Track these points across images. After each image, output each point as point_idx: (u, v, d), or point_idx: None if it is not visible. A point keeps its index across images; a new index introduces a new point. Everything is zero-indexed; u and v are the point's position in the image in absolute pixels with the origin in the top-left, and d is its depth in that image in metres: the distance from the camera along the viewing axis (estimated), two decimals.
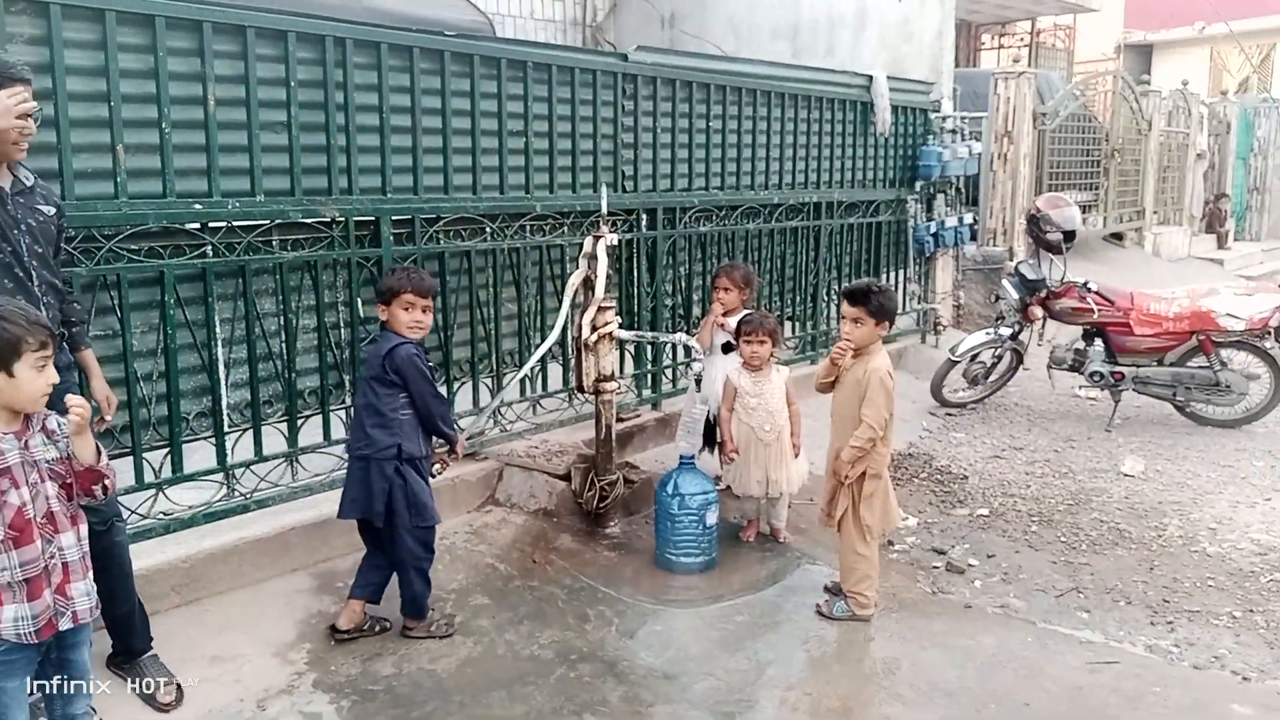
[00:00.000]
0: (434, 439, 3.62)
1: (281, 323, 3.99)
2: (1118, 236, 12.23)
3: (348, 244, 4.13)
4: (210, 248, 3.75)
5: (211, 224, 3.75)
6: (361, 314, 4.20)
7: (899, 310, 7.65)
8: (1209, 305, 6.21)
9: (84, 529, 2.49)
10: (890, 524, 3.87)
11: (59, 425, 2.40)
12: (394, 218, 4.28)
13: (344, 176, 4.12)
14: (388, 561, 3.56)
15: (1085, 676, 3.46)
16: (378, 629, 3.58)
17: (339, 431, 4.17)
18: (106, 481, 2.46)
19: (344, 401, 4.23)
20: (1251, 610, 3.98)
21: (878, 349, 3.76)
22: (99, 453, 2.43)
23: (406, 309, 3.47)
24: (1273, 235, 16.36)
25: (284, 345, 4.00)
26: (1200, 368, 6.29)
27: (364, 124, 4.20)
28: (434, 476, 3.71)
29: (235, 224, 3.82)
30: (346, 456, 3.62)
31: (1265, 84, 23.37)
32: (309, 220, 4.02)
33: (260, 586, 3.74)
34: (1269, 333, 6.14)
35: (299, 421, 4.07)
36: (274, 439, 4.02)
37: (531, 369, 4.92)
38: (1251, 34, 24.35)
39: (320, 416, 4.15)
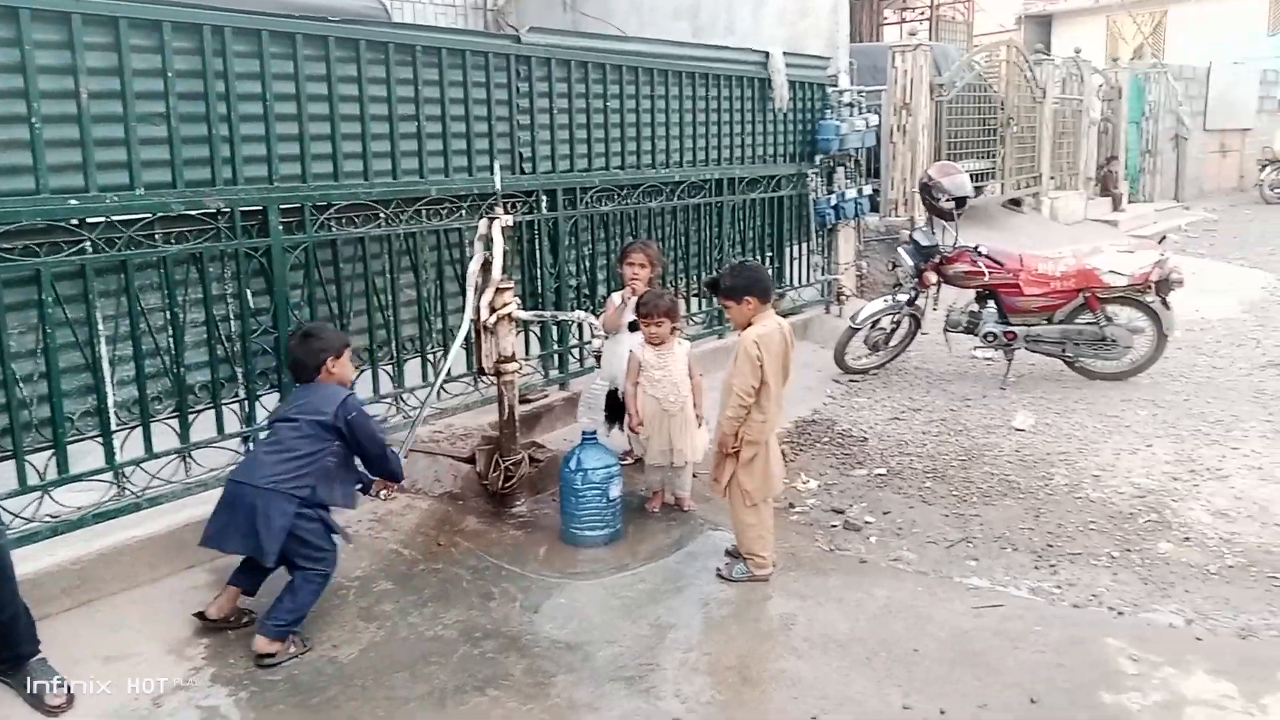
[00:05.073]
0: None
1: (168, 317, 3.94)
2: (1016, 202, 12.61)
3: (234, 235, 4.08)
4: (89, 244, 3.68)
5: (89, 219, 3.68)
6: (252, 305, 4.17)
7: (803, 283, 7.83)
8: (1093, 263, 6.47)
9: None
10: (771, 490, 3.95)
11: None
12: (282, 206, 4.24)
13: (228, 167, 4.07)
14: (261, 574, 3.54)
15: (971, 621, 3.62)
16: (245, 621, 3.53)
17: (232, 425, 4.14)
18: None
19: (236, 395, 4.19)
20: (1129, 549, 4.19)
21: (759, 320, 3.85)
22: None
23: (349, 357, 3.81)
24: (1165, 196, 17.04)
25: (171, 340, 3.95)
26: (1087, 324, 6.54)
27: (247, 113, 4.14)
28: (383, 500, 4.08)
29: (114, 219, 3.75)
30: (228, 482, 3.47)
31: (1158, 51, 24.21)
32: (193, 212, 3.96)
33: (155, 585, 3.71)
34: (1150, 287, 6.41)
35: (190, 417, 4.03)
36: (166, 436, 3.97)
37: (432, 354, 4.93)
38: (1143, 2, 25.22)
39: (213, 411, 4.11)
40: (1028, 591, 3.87)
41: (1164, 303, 6.46)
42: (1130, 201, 15.69)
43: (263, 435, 3.55)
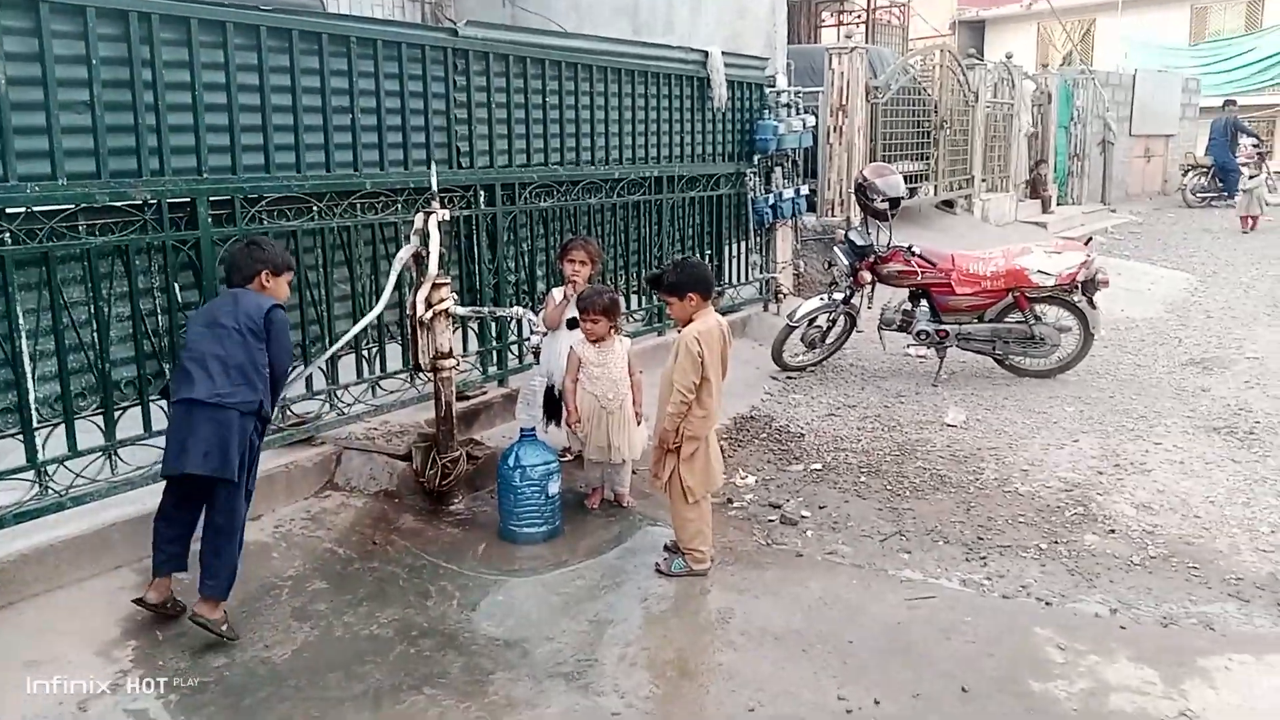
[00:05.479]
0: None
1: (92, 311, 3.83)
2: (949, 204, 12.83)
3: (161, 227, 3.99)
4: (9, 234, 3.56)
5: (9, 209, 3.56)
6: (180, 300, 4.07)
7: (742, 281, 7.89)
8: (1022, 264, 6.61)
9: None
10: (711, 485, 3.99)
11: None
12: (212, 198, 4.15)
13: (155, 157, 3.97)
14: (185, 530, 3.48)
15: (904, 613, 3.68)
16: (178, 609, 3.47)
17: (160, 422, 4.03)
18: None
19: (164, 391, 4.09)
20: (1056, 542, 4.30)
21: (699, 317, 3.87)
22: None
23: (290, 283, 3.81)
24: (1092, 199, 17.48)
25: (96, 335, 3.84)
26: (1017, 323, 6.70)
27: (176, 102, 4.05)
28: None
29: (35, 209, 3.63)
30: (176, 403, 3.39)
31: (1086, 58, 24.87)
32: (118, 203, 3.86)
33: (81, 586, 3.60)
34: (1077, 287, 6.58)
35: (116, 414, 3.92)
36: (91, 433, 3.86)
37: (368, 350, 4.87)
38: (1073, 10, 25.91)
39: (139, 408, 4.00)
40: (959, 583, 3.95)
41: (1090, 302, 6.64)
42: (1059, 204, 16.05)
43: (188, 341, 3.51)
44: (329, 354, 4.61)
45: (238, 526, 3.42)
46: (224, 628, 3.36)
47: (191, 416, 3.31)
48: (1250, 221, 14.61)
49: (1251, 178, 15.11)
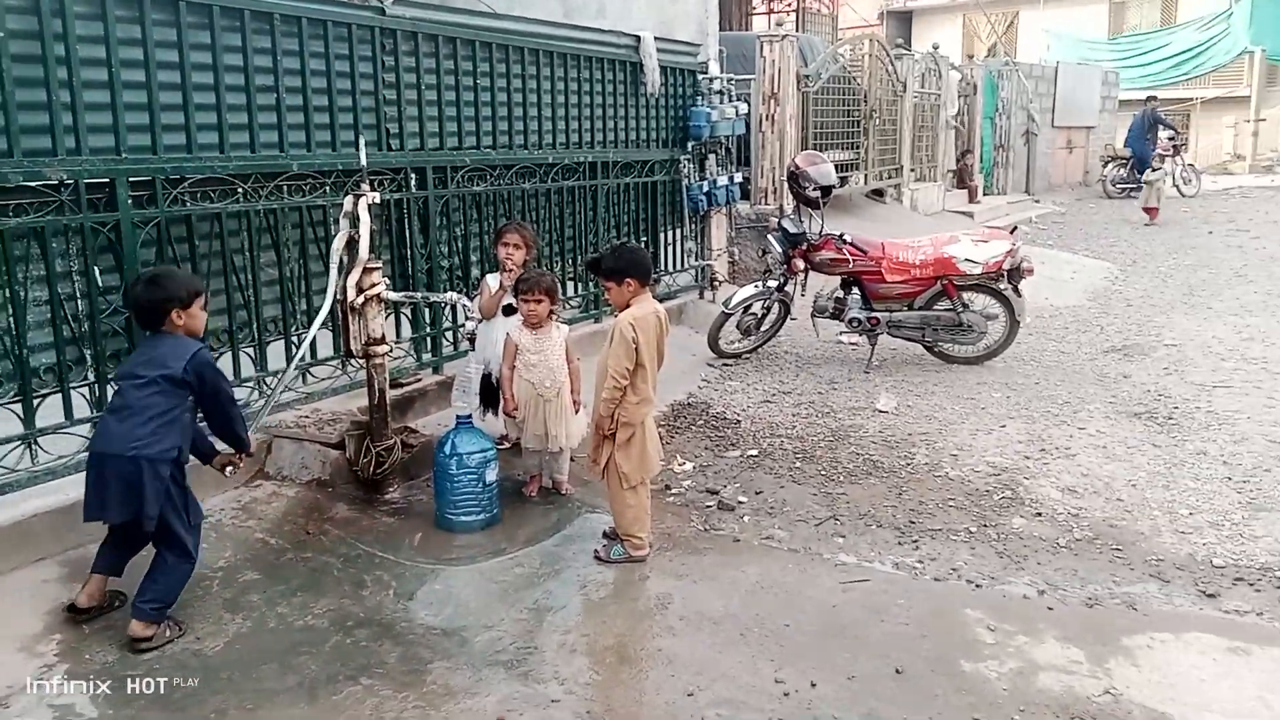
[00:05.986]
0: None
1: (7, 295, 3.67)
2: (879, 193, 13.02)
3: (79, 208, 3.84)
4: None
5: None
6: (100, 284, 3.93)
7: (677, 268, 7.90)
8: (950, 252, 6.73)
9: None
10: (648, 471, 3.98)
11: None
12: (132, 179, 4.01)
13: (71, 136, 3.82)
14: (126, 553, 3.43)
15: (839, 595, 3.73)
16: (117, 604, 3.40)
17: (82, 409, 3.90)
18: None
19: (85, 377, 3.95)
20: (985, 525, 4.40)
21: (637, 303, 3.86)
22: None
23: (204, 308, 3.52)
24: (1016, 189, 17.91)
25: (12, 320, 3.69)
26: (945, 310, 6.82)
27: (92, 79, 3.90)
28: (227, 476, 3.85)
29: None
30: (91, 454, 3.32)
31: (1010, 50, 25.41)
32: (33, 184, 3.71)
33: (1, 579, 3.47)
34: (1003, 275, 6.72)
35: (35, 401, 3.77)
36: (9, 421, 3.72)
37: (298, 336, 4.76)
38: (997, 2, 26.48)
39: (60, 395, 3.86)
40: (892, 566, 4.02)
41: (1016, 290, 6.79)
42: (985, 194, 16.42)
43: (111, 395, 3.39)
44: (290, 366, 4.55)
45: (179, 559, 3.34)
46: (168, 633, 3.29)
47: (105, 468, 3.23)
48: (1153, 213, 15.01)
49: (1154, 170, 15.55)
